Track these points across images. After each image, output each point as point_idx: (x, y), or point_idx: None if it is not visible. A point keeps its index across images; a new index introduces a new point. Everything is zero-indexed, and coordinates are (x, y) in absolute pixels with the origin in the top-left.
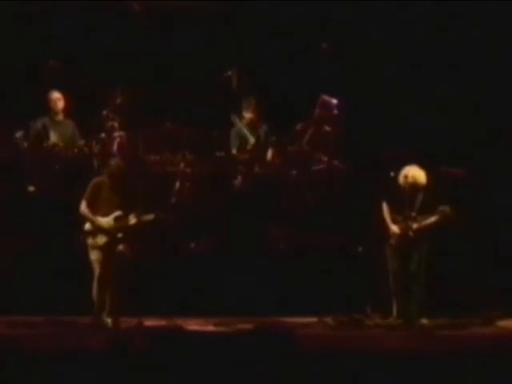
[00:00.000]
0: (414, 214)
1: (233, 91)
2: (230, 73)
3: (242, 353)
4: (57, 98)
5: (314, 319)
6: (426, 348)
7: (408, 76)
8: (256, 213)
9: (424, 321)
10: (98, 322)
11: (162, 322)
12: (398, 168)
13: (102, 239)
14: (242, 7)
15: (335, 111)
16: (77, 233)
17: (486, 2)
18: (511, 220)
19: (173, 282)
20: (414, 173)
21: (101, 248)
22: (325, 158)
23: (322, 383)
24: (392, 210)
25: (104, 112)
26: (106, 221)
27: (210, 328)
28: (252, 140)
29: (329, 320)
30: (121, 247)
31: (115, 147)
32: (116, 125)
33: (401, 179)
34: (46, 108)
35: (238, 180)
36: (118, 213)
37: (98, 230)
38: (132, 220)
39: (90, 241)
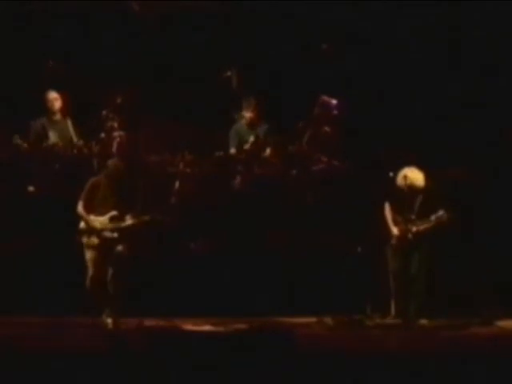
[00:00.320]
0: (413, 216)
1: (233, 91)
2: (229, 73)
3: (241, 353)
4: (53, 98)
5: (313, 319)
6: (426, 348)
7: (408, 76)
8: (256, 213)
9: (424, 321)
10: (98, 322)
11: (162, 323)
12: (398, 168)
13: (96, 239)
14: (241, 7)
15: (335, 111)
16: (76, 232)
17: (485, 2)
18: (511, 220)
19: (172, 282)
20: (412, 174)
21: (95, 248)
22: (324, 158)
23: (321, 383)
24: (394, 211)
25: (104, 112)
26: (100, 220)
27: (210, 328)
28: (251, 138)
29: (328, 320)
30: (120, 247)
31: (115, 147)
32: (115, 125)
33: (399, 180)
34: (45, 108)
35: (238, 180)
36: (113, 213)
37: (92, 229)
38: (128, 221)
39: (84, 240)
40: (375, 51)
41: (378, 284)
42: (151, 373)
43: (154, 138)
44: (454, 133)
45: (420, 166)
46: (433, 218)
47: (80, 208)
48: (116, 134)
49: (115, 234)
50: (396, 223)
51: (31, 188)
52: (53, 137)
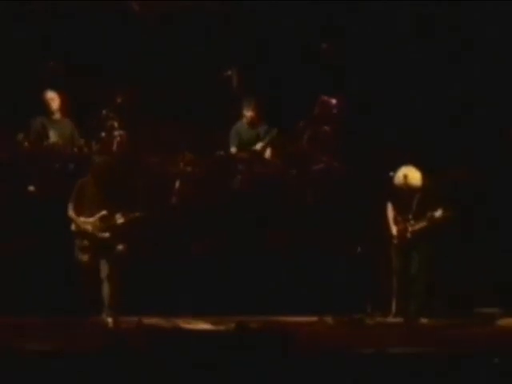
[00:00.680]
0: (410, 216)
1: (233, 91)
2: (229, 72)
3: (241, 353)
4: (50, 98)
5: (314, 318)
6: (426, 348)
7: (408, 76)
8: (256, 212)
9: (424, 320)
10: (98, 322)
11: (162, 322)
12: (397, 168)
13: (87, 241)
14: (241, 7)
15: (334, 111)
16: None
17: (485, 2)
18: (511, 220)
19: (172, 282)
20: (410, 174)
21: (87, 249)
22: (324, 158)
23: (321, 383)
24: (395, 211)
25: (104, 111)
26: (91, 222)
27: (209, 327)
28: (258, 146)
29: (329, 319)
30: (120, 247)
31: (115, 146)
32: (116, 124)
33: (396, 180)
34: (44, 107)
35: (238, 179)
36: (103, 213)
37: (83, 232)
38: (119, 219)
39: (77, 242)
40: (375, 51)
41: (378, 283)
42: (151, 372)
43: (154, 137)
44: (454, 133)
45: (419, 166)
46: (427, 216)
47: (70, 211)
48: (116, 133)
49: (107, 234)
50: (396, 223)
51: (31, 188)
52: (53, 136)
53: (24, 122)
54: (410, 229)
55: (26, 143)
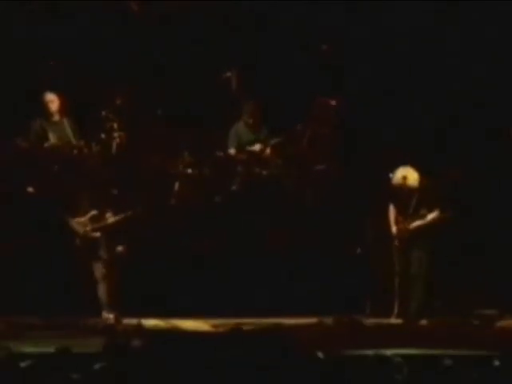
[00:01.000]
0: (408, 216)
1: (232, 92)
2: (229, 74)
3: (241, 353)
4: (49, 100)
5: (313, 319)
6: (426, 348)
7: (407, 76)
8: (255, 213)
9: (423, 321)
10: (98, 322)
11: (162, 323)
12: (396, 168)
13: (78, 241)
14: (241, 7)
15: (334, 112)
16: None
17: (485, 2)
18: (511, 220)
19: (172, 283)
20: (407, 174)
21: (79, 249)
22: (323, 159)
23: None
24: (397, 211)
25: (103, 113)
26: (81, 221)
27: (209, 328)
28: (257, 146)
29: (328, 320)
30: (119, 248)
31: (114, 148)
32: (115, 126)
33: (394, 180)
34: (43, 109)
35: (237, 180)
36: (93, 212)
37: (75, 232)
38: (110, 218)
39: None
40: (375, 51)
41: (377, 284)
42: (151, 373)
43: (153, 138)
44: (454, 133)
45: (417, 166)
46: (428, 217)
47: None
48: (116, 134)
49: (98, 234)
50: (396, 223)
51: (30, 189)
52: (52, 138)
53: (24, 123)
54: (408, 229)
55: (26, 144)
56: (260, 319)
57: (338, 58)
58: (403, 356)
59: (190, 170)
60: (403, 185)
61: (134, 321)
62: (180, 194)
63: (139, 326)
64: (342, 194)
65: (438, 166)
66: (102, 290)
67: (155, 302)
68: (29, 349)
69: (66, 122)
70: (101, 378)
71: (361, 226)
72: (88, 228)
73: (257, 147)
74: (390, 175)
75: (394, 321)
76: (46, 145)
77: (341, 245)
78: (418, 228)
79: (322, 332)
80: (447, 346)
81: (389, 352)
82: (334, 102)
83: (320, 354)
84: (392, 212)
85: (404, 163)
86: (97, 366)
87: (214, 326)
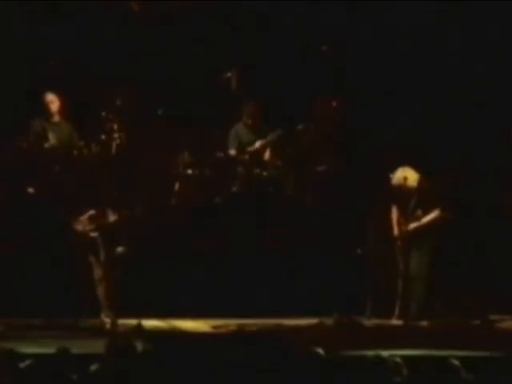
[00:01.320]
0: (408, 216)
1: (232, 92)
2: (229, 74)
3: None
4: (50, 100)
5: (313, 320)
6: (426, 348)
7: (408, 76)
8: (256, 213)
9: (424, 322)
10: (97, 323)
11: (161, 324)
12: (397, 168)
13: (80, 241)
14: (241, 7)
15: (334, 112)
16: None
17: (485, 2)
18: (511, 220)
19: (172, 283)
20: (407, 175)
21: (78, 249)
22: (324, 160)
23: None
24: (399, 212)
25: (103, 113)
26: (81, 221)
27: (209, 329)
28: (257, 144)
29: (328, 321)
30: (120, 249)
31: (114, 148)
32: (115, 126)
33: (394, 180)
34: (43, 109)
35: (238, 181)
36: (91, 212)
37: (76, 231)
38: (111, 217)
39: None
40: (376, 51)
41: (378, 285)
42: (151, 373)
43: (153, 138)
44: (454, 133)
45: (417, 167)
46: (428, 217)
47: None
48: (116, 135)
49: (97, 234)
50: (398, 224)
51: (31, 189)
52: (52, 138)
53: (23, 124)
54: (408, 229)
55: (25, 144)
56: (260, 320)
57: (340, 58)
58: (403, 357)
59: (190, 171)
60: (403, 185)
61: (133, 321)
62: (180, 194)
63: (139, 327)
64: (343, 195)
65: (438, 167)
66: (100, 292)
67: (155, 302)
68: (29, 349)
69: (65, 123)
70: (101, 378)
71: (362, 227)
72: (88, 228)
73: (257, 144)
74: (391, 176)
75: (394, 322)
76: (45, 145)
77: (341, 245)
78: (418, 228)
79: (323, 333)
80: (448, 347)
81: (389, 353)
82: (335, 103)
83: (320, 351)
84: (394, 213)
85: (404, 163)
86: (97, 367)
87: (215, 326)
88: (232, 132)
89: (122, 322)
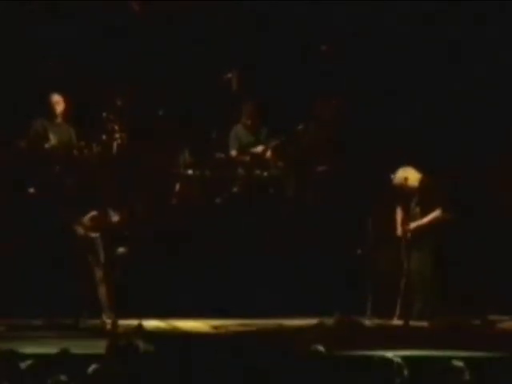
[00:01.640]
0: (410, 216)
1: (233, 92)
2: (229, 75)
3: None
4: (56, 101)
5: (313, 320)
6: (426, 348)
7: (408, 76)
8: (256, 213)
9: (424, 322)
10: (98, 323)
11: (162, 324)
12: (397, 168)
13: (81, 241)
14: (241, 7)
15: (335, 112)
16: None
17: (485, 2)
18: (511, 220)
19: (172, 283)
20: (408, 174)
21: (79, 250)
22: (324, 160)
23: None
24: (404, 212)
25: (104, 114)
26: (82, 222)
27: (210, 329)
28: (259, 148)
29: (329, 321)
30: (121, 250)
31: (115, 149)
32: (116, 127)
33: (395, 180)
34: (46, 109)
35: (238, 181)
36: (93, 213)
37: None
38: (115, 217)
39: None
40: (375, 51)
41: (378, 285)
42: (151, 374)
43: (154, 139)
44: (454, 133)
45: (418, 166)
46: (429, 217)
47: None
48: (117, 135)
49: (97, 234)
50: (401, 224)
51: (31, 190)
52: (53, 139)
53: (23, 124)
54: (409, 229)
55: (26, 144)
56: (261, 320)
57: (339, 58)
58: (403, 358)
59: (190, 171)
60: (404, 185)
61: (134, 322)
62: (181, 195)
63: (140, 327)
64: (343, 195)
65: (438, 167)
66: (101, 292)
67: (155, 302)
68: (29, 349)
69: (67, 125)
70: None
71: (362, 227)
72: (88, 228)
73: (259, 149)
74: (391, 176)
75: (394, 322)
76: (46, 145)
77: (341, 245)
78: (419, 228)
79: (323, 333)
80: (448, 347)
81: (389, 353)
82: (334, 103)
83: (321, 348)
84: (398, 213)
85: (405, 163)
86: (97, 367)
87: (215, 326)
88: (232, 133)
89: (122, 322)
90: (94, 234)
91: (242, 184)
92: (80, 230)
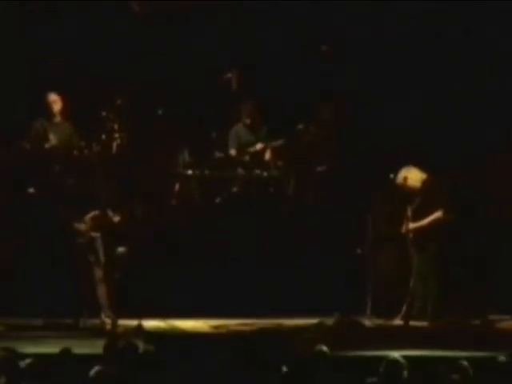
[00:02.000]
0: (412, 216)
1: (232, 92)
2: (230, 75)
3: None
4: (53, 100)
5: (313, 320)
6: (426, 348)
7: (408, 76)
8: (256, 213)
9: (424, 322)
10: (97, 323)
11: (162, 324)
12: (398, 169)
13: (82, 240)
14: (241, 7)
15: (334, 112)
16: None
17: (485, 2)
18: (511, 220)
19: (172, 283)
20: (410, 174)
21: (79, 250)
22: (324, 160)
23: None
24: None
25: (103, 113)
26: (84, 221)
27: (210, 329)
28: (258, 146)
29: (329, 321)
30: (121, 249)
31: (115, 148)
32: (116, 126)
33: (397, 180)
34: (45, 109)
35: (238, 181)
36: (94, 212)
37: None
38: (115, 217)
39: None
40: (375, 51)
41: (378, 285)
42: (151, 374)
43: (153, 139)
44: (454, 133)
45: (419, 166)
46: (430, 217)
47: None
48: (116, 135)
49: (98, 234)
50: (405, 224)
51: (31, 189)
52: (53, 139)
53: (23, 124)
54: (411, 229)
55: (26, 144)
56: (260, 320)
57: (339, 58)
58: (403, 357)
59: (190, 171)
60: (404, 185)
61: (134, 322)
62: (180, 194)
63: (140, 327)
64: (343, 195)
65: (438, 167)
66: (101, 292)
67: (155, 302)
68: (29, 349)
69: (66, 124)
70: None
71: (362, 227)
72: (89, 228)
73: (258, 146)
74: (391, 176)
75: (395, 322)
76: (46, 145)
77: (341, 245)
78: (419, 228)
79: (323, 333)
80: (448, 347)
81: (389, 353)
82: (334, 102)
83: (324, 348)
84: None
85: (404, 163)
86: (97, 368)
87: (215, 326)
88: (232, 132)
89: (122, 322)
90: (94, 234)
91: (242, 184)
92: (81, 229)
